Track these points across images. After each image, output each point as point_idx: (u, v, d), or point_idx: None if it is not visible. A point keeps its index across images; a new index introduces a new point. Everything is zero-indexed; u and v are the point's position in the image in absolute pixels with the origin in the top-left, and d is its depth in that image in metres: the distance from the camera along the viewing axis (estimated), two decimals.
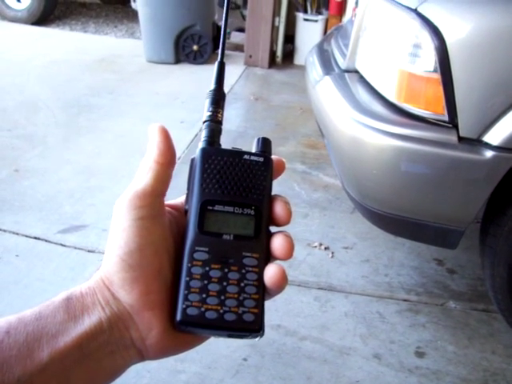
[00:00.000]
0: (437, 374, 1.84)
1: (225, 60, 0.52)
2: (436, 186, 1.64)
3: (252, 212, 0.49)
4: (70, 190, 2.77)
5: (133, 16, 6.99)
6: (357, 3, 2.11)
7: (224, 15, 0.54)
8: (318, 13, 5.40)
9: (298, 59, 5.36)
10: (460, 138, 1.57)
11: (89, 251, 2.26)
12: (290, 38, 5.47)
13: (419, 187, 1.68)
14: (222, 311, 0.45)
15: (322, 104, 1.95)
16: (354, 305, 2.12)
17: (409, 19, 1.62)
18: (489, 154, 1.54)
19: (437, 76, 1.56)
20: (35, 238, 2.36)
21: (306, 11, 5.39)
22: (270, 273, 0.46)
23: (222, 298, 0.46)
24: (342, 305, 2.12)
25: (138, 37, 6.22)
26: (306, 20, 5.34)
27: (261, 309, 0.47)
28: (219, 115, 0.52)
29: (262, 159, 0.51)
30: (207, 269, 0.47)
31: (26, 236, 2.37)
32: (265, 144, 0.53)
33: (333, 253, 2.43)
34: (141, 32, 5.32)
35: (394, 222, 1.79)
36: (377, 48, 1.85)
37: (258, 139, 0.53)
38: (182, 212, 0.51)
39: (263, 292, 0.47)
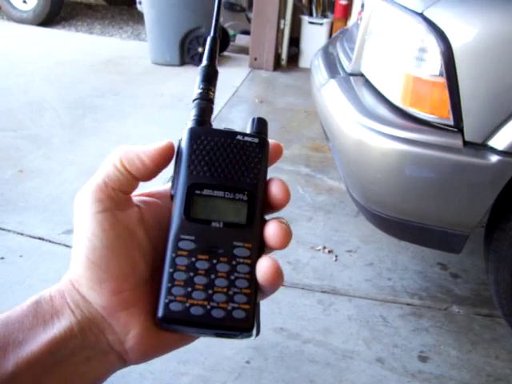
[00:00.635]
0: (440, 378, 1.84)
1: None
2: (441, 191, 1.64)
3: (244, 197, 0.44)
4: (75, 191, 2.73)
5: (138, 18, 7.01)
6: (362, 7, 2.11)
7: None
8: (323, 16, 5.41)
9: (303, 62, 5.37)
10: (465, 143, 1.57)
11: None
12: (295, 41, 5.48)
13: (424, 191, 1.68)
14: (208, 307, 0.42)
15: (327, 107, 1.95)
16: (358, 308, 2.12)
17: (415, 23, 1.62)
18: (494, 158, 1.54)
19: (442, 80, 1.56)
20: (39, 238, 2.36)
21: (311, 14, 5.40)
22: (263, 266, 0.42)
23: (210, 292, 0.42)
24: (345, 308, 2.12)
25: (143, 38, 6.23)
26: (311, 23, 5.34)
27: (253, 305, 0.43)
28: (211, 93, 0.48)
29: (256, 140, 0.46)
30: (193, 259, 0.43)
31: (30, 236, 2.38)
32: (260, 124, 0.48)
33: (336, 256, 2.43)
34: (146, 34, 5.33)
35: (398, 226, 1.79)
36: (382, 52, 1.85)
37: (253, 119, 0.48)
38: (166, 199, 0.47)
39: (256, 286, 0.43)
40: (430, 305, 2.17)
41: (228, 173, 0.45)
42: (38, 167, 3.00)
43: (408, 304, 2.17)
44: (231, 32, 5.77)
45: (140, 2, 5.18)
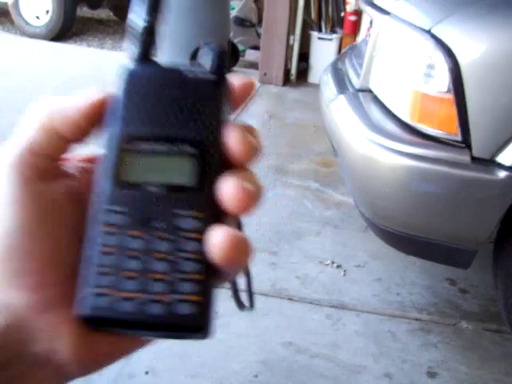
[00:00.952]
0: None
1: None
2: (449, 206, 1.65)
3: (193, 151, 0.33)
4: None
5: None
6: (371, 23, 2.14)
7: None
8: (333, 31, 5.44)
9: (312, 77, 5.40)
10: (473, 158, 1.58)
11: None
12: (304, 56, 5.51)
13: (432, 206, 1.68)
14: (142, 300, 0.31)
15: (336, 122, 1.97)
16: (366, 323, 2.12)
17: (423, 40, 1.64)
18: (502, 174, 1.54)
19: (450, 96, 1.57)
20: None
21: (320, 30, 5.44)
22: (214, 240, 0.31)
23: (145, 280, 0.31)
24: (353, 323, 2.12)
25: (153, 54, 6.29)
26: (320, 39, 5.38)
27: (205, 296, 0.32)
28: (155, 25, 0.36)
29: (211, 78, 0.35)
30: (123, 237, 0.32)
31: None
32: (218, 57, 0.36)
33: (345, 271, 2.43)
34: (156, 49, 5.39)
35: (406, 241, 1.79)
36: (391, 68, 1.87)
37: (207, 49, 0.37)
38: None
39: (211, 271, 0.32)
40: (439, 320, 2.16)
41: (171, 121, 0.34)
42: None
43: (416, 319, 2.16)
44: (241, 47, 5.82)
45: None
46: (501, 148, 1.56)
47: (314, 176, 3.31)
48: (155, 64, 0.36)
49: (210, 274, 0.32)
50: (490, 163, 1.57)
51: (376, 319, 2.15)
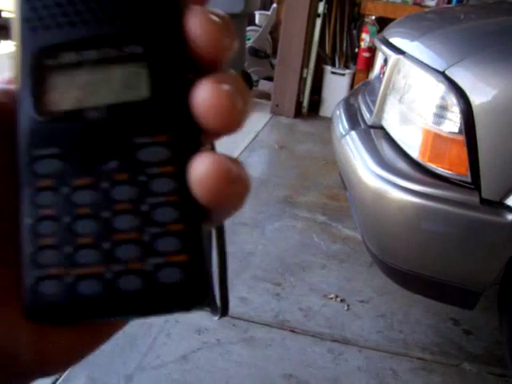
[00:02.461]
0: None
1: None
2: (456, 246, 1.65)
3: (140, 50, 0.23)
4: None
5: None
6: (385, 61, 2.17)
7: None
8: (346, 67, 5.51)
9: (324, 111, 5.44)
10: (482, 200, 1.59)
11: None
12: (316, 90, 5.57)
13: (439, 246, 1.69)
14: (110, 275, 0.23)
15: (347, 157, 1.99)
16: (368, 359, 2.11)
17: (436, 82, 1.67)
18: (510, 217, 1.55)
19: (461, 138, 1.59)
20: None
21: (333, 64, 5.50)
22: (197, 169, 0.23)
23: (106, 245, 0.23)
24: (355, 358, 2.10)
25: None
26: (333, 73, 5.44)
27: (196, 250, 0.23)
28: None
29: None
30: (66, 190, 0.23)
31: None
32: None
33: (348, 305, 2.42)
34: None
35: (412, 279, 1.79)
36: (404, 107, 1.89)
37: None
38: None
39: (197, 214, 0.23)
40: (441, 360, 2.15)
41: (100, 12, 0.23)
42: None
43: (419, 358, 2.15)
44: (254, 77, 5.89)
45: None
46: (510, 191, 1.57)
47: (322, 209, 3.32)
48: None
49: (193, 221, 0.23)
50: (498, 206, 1.58)
51: (378, 356, 2.13)
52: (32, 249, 0.23)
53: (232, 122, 0.23)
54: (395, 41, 2.14)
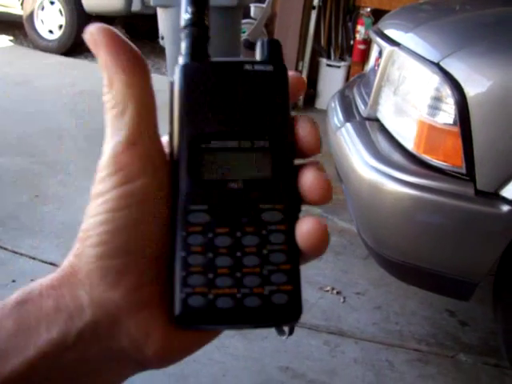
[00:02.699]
0: None
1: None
2: (451, 238, 1.66)
3: (266, 144, 0.34)
4: None
5: (160, 52, 7.16)
6: (380, 54, 2.17)
7: None
8: (341, 59, 5.50)
9: (320, 104, 5.44)
10: (477, 191, 1.59)
11: None
12: (312, 83, 5.56)
13: (434, 237, 1.69)
14: (239, 295, 0.32)
15: (342, 150, 1.98)
16: (364, 351, 2.11)
17: (431, 73, 1.66)
18: (505, 208, 1.55)
19: (456, 129, 1.59)
20: (51, 263, 2.39)
21: (329, 57, 5.49)
22: (306, 228, 0.33)
23: (238, 275, 0.32)
24: (351, 350, 2.11)
25: (163, 72, 6.35)
26: (328, 66, 5.43)
27: (296, 283, 0.33)
28: (204, 17, 0.36)
29: (271, 68, 0.35)
30: (210, 235, 0.33)
31: (43, 261, 2.40)
32: (272, 47, 0.37)
33: (345, 298, 2.43)
34: (166, 68, 5.44)
35: (408, 271, 1.79)
36: (398, 99, 1.89)
37: (263, 41, 0.37)
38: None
39: (297, 259, 0.34)
40: (437, 351, 2.16)
41: (240, 115, 0.34)
42: (54, 193, 3.05)
43: (415, 349, 2.15)
44: None
45: (162, 38, 5.29)
46: (505, 182, 1.57)
47: None
48: (210, 60, 0.36)
49: (296, 263, 0.34)
50: (493, 197, 1.58)
51: (374, 348, 2.14)
52: (184, 273, 0.32)
53: (328, 198, 0.34)
54: (390, 32, 2.13)
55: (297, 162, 0.36)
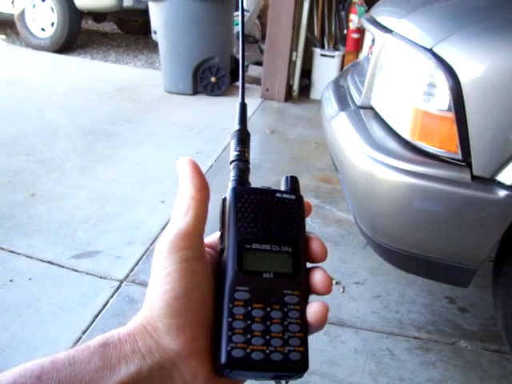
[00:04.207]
0: None
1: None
2: (448, 224, 1.65)
3: (289, 249, 0.49)
4: (85, 216, 2.80)
5: (153, 46, 7.14)
6: (373, 41, 2.15)
7: (240, 62, 0.57)
8: (335, 49, 5.48)
9: (314, 94, 5.42)
10: (473, 177, 1.58)
11: (101, 277, 2.28)
12: (306, 73, 5.54)
13: (432, 225, 1.68)
14: (268, 351, 0.45)
15: (337, 139, 1.97)
16: (364, 341, 2.11)
17: (424, 59, 1.65)
18: (502, 193, 1.54)
19: (451, 115, 1.58)
20: (48, 262, 2.38)
21: (323, 47, 5.47)
22: (314, 309, 0.47)
23: (267, 337, 0.45)
24: (351, 340, 2.11)
25: (157, 67, 6.33)
26: (322, 55, 5.41)
27: (306, 347, 0.46)
28: (246, 154, 0.53)
29: (293, 197, 0.51)
30: (249, 308, 0.46)
31: (40, 260, 2.39)
32: (294, 182, 0.54)
33: (344, 287, 2.42)
34: (160, 63, 5.42)
35: (406, 259, 1.79)
36: (392, 86, 1.88)
37: (287, 178, 0.54)
38: (216, 251, 0.51)
39: (307, 329, 0.47)
40: (438, 339, 2.15)
41: (272, 227, 0.49)
42: (50, 191, 3.04)
43: (415, 337, 2.15)
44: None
45: (155, 32, 5.28)
46: (501, 167, 1.56)
47: (314, 192, 3.32)
48: (251, 186, 0.52)
49: (306, 332, 0.47)
50: (490, 182, 1.57)
51: (375, 337, 2.14)
52: (230, 333, 0.44)
53: (330, 290, 0.49)
54: (382, 20, 2.12)
55: (309, 265, 0.50)
